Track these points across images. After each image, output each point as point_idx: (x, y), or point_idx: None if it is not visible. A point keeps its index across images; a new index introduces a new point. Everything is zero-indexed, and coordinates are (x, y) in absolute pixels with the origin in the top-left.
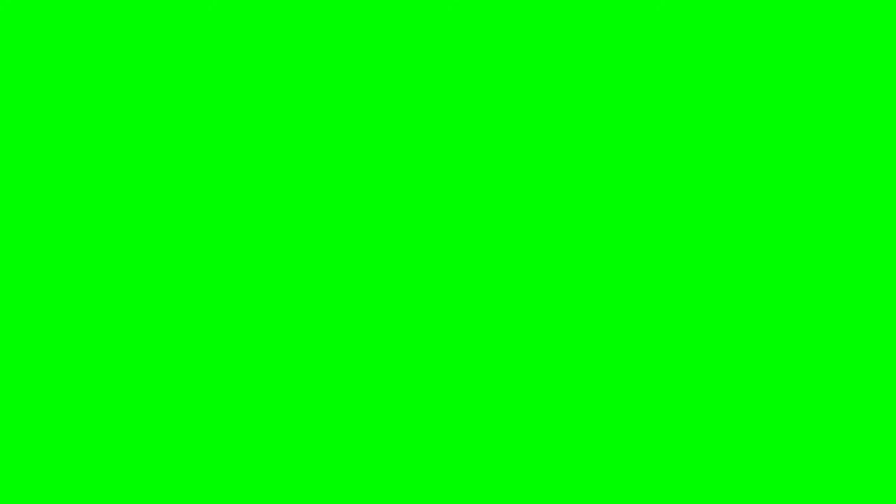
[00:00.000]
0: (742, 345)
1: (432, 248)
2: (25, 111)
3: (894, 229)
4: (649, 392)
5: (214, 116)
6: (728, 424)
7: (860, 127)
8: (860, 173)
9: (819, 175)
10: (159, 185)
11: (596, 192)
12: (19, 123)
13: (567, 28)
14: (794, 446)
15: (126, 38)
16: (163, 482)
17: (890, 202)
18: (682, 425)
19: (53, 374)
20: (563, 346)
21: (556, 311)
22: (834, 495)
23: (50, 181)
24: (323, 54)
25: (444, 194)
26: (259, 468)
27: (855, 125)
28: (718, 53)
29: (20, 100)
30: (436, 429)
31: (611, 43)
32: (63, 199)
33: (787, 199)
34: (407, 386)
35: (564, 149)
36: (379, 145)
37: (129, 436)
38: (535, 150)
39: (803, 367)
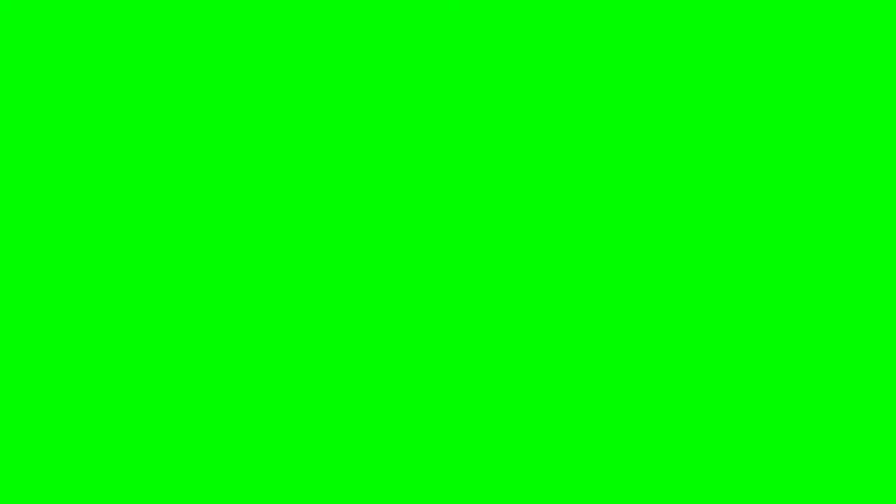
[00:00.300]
0: (742, 345)
1: (432, 248)
2: (25, 111)
3: (894, 229)
4: (649, 392)
5: (214, 116)
6: (728, 424)
7: (860, 127)
8: (860, 173)
9: (819, 175)
10: (159, 186)
11: (596, 192)
12: (19, 123)
13: (567, 28)
14: (794, 446)
15: (126, 38)
16: (163, 482)
17: (890, 202)
18: (681, 425)
19: (53, 374)
20: (563, 347)
21: (555, 311)
22: (834, 495)
23: (50, 181)
24: (323, 54)
25: (444, 194)
26: (259, 468)
27: (855, 125)
28: (718, 53)
29: (20, 100)
30: (436, 429)
31: (611, 43)
32: (63, 200)
33: (786, 198)
34: (407, 386)
35: (564, 149)
36: (379, 145)
37: (129, 436)
38: (535, 151)
39: (803, 367)
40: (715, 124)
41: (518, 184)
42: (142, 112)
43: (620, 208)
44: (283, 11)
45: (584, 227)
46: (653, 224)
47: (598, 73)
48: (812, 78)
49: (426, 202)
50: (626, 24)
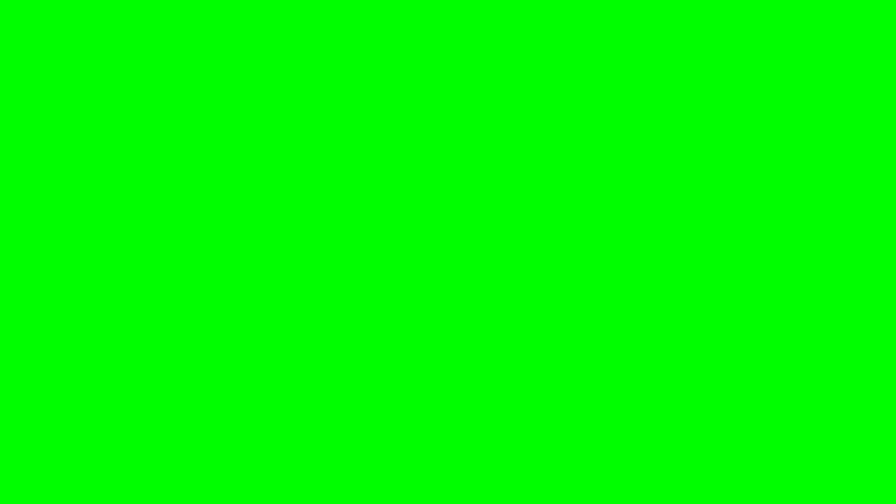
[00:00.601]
0: (742, 345)
1: (432, 248)
2: (25, 111)
3: (894, 229)
4: (649, 392)
5: (214, 116)
6: (728, 424)
7: (860, 127)
8: (860, 173)
9: (819, 175)
10: (159, 186)
11: (596, 192)
12: (19, 124)
13: (567, 28)
14: (794, 446)
15: (126, 38)
16: (163, 482)
17: (890, 202)
18: (681, 425)
19: (53, 374)
20: (563, 347)
21: (556, 311)
22: (834, 495)
23: (50, 181)
24: (323, 54)
25: (445, 194)
26: (259, 468)
27: (855, 125)
28: (718, 53)
29: (20, 100)
30: (436, 429)
31: (611, 43)
32: (63, 200)
33: (786, 199)
34: (407, 386)
35: (564, 149)
36: (379, 145)
37: (129, 436)
38: (535, 151)
39: (803, 368)
40: (715, 124)
41: (518, 184)
42: (142, 112)
43: (620, 208)
44: (283, 11)
45: (584, 227)
46: (653, 224)
47: (598, 73)
48: (812, 78)
49: (426, 202)
50: (626, 24)
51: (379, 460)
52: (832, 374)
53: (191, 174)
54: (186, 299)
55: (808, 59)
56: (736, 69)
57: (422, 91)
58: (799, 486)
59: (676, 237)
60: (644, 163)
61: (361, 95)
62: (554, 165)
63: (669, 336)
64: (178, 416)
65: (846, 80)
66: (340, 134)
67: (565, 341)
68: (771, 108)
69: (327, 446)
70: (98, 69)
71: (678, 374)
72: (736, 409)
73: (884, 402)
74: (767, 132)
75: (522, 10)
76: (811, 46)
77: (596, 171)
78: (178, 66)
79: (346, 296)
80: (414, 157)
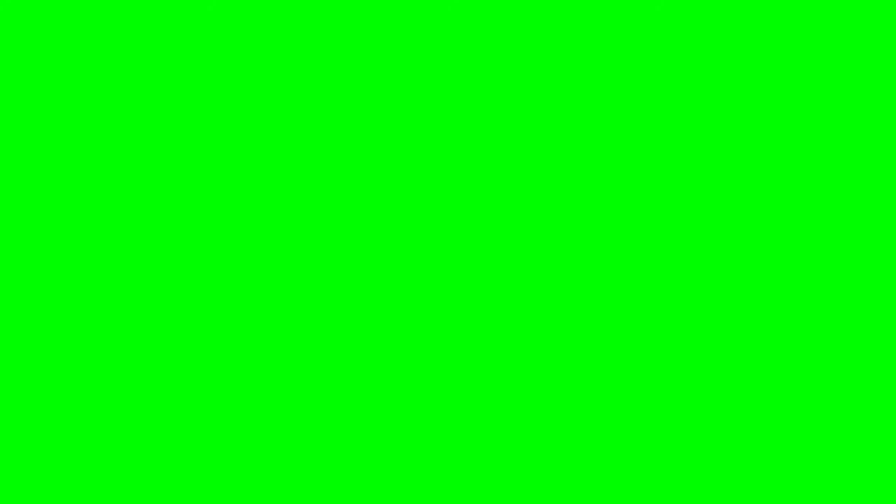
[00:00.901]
0: (742, 345)
1: (432, 248)
2: (25, 111)
3: (894, 229)
4: (649, 392)
5: (214, 116)
6: (728, 424)
7: (860, 127)
8: (860, 173)
9: (819, 175)
10: (159, 186)
11: (596, 192)
12: (19, 124)
13: (567, 28)
14: (794, 446)
15: (126, 38)
16: (163, 482)
17: (890, 202)
18: (681, 425)
19: (53, 374)
20: (563, 347)
21: (556, 311)
22: (834, 495)
23: (50, 181)
24: (323, 54)
25: (445, 194)
26: (259, 468)
27: (855, 125)
28: (718, 53)
29: (20, 100)
30: (436, 429)
31: (611, 43)
32: (63, 200)
33: (786, 199)
34: (407, 386)
35: (564, 149)
36: (379, 145)
37: (129, 436)
38: (535, 151)
39: (803, 368)
40: (715, 124)
41: (518, 184)
42: (142, 112)
43: (620, 208)
44: (283, 11)
45: (584, 227)
46: (653, 224)
47: (598, 73)
48: (812, 78)
49: (426, 202)
50: (626, 24)
51: (379, 460)
52: (832, 373)
53: (190, 174)
54: (186, 299)
55: (809, 60)
56: (736, 69)
57: (422, 91)
58: (799, 485)
59: (676, 237)
60: (644, 163)
61: (361, 96)
62: (553, 165)
63: (669, 336)
64: (177, 415)
65: (846, 81)
66: (340, 134)
67: (565, 341)
68: (771, 108)
69: (327, 446)
70: (98, 69)
71: (678, 373)
72: (736, 408)
73: (884, 402)
74: (767, 132)
75: (522, 10)
76: (811, 46)
77: (596, 172)
78: (178, 66)
79: (346, 295)
80: (413, 157)
